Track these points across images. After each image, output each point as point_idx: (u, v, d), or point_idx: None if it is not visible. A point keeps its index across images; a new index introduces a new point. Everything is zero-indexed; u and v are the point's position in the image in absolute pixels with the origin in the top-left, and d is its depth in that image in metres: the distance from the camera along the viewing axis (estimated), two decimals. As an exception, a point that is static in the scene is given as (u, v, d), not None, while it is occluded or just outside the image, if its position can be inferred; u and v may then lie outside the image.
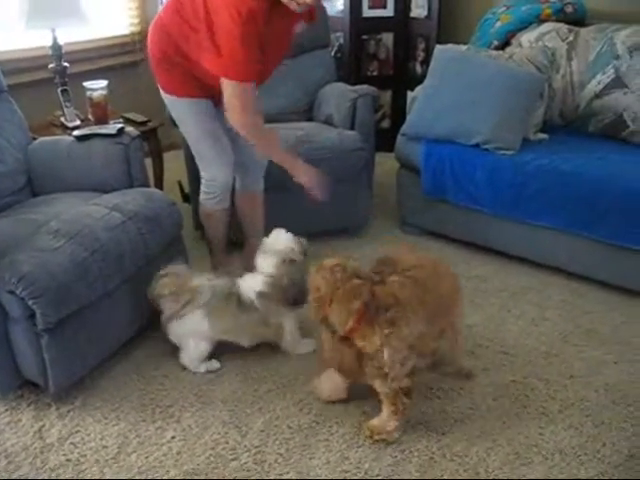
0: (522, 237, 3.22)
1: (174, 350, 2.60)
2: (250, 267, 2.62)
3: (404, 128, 3.50)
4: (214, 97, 2.71)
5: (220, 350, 2.62)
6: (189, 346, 2.55)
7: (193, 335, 2.52)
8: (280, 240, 2.56)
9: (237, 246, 3.23)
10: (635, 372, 2.56)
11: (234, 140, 2.84)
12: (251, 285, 2.52)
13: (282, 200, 3.13)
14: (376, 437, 2.23)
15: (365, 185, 3.51)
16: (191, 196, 3.41)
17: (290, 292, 2.49)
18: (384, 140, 4.02)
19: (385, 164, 3.90)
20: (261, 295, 2.50)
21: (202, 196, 2.89)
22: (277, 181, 3.00)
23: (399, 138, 3.53)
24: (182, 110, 2.76)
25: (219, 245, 3.04)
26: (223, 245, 3.05)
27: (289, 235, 2.56)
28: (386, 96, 4.61)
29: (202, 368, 2.57)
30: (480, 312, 2.94)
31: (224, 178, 2.82)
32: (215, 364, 2.59)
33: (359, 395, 2.39)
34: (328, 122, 3.63)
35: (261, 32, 2.44)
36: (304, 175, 2.74)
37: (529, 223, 3.15)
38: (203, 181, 2.86)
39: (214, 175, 2.81)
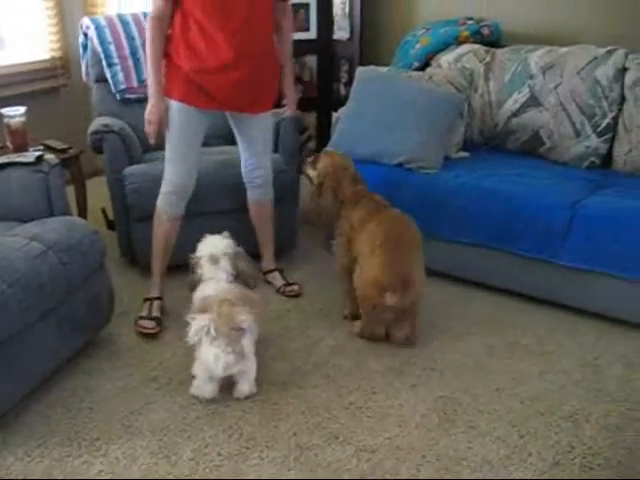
0: (444, 253, 3.28)
1: (100, 381, 2.56)
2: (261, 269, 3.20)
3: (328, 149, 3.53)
4: (214, 103, 2.86)
5: (147, 379, 2.59)
6: (253, 361, 2.51)
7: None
8: (216, 243, 2.65)
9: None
10: (558, 382, 2.63)
11: (246, 150, 3.10)
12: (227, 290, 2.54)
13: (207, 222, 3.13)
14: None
15: (291, 207, 3.53)
16: (115, 223, 3.36)
17: (252, 280, 2.68)
18: (310, 162, 4.04)
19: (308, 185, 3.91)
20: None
21: (159, 197, 2.96)
22: (200, 205, 3.08)
23: (323, 159, 3.56)
24: (174, 111, 2.86)
25: (160, 259, 3.02)
26: (164, 261, 3.04)
27: (214, 236, 2.67)
28: (311, 118, 4.65)
29: (200, 392, 2.53)
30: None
31: (181, 180, 2.92)
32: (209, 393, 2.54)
33: (290, 419, 2.40)
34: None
35: None
36: (151, 108, 2.84)
37: (452, 240, 3.21)
38: (163, 181, 2.94)
39: (171, 174, 2.92)
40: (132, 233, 3.31)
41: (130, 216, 3.28)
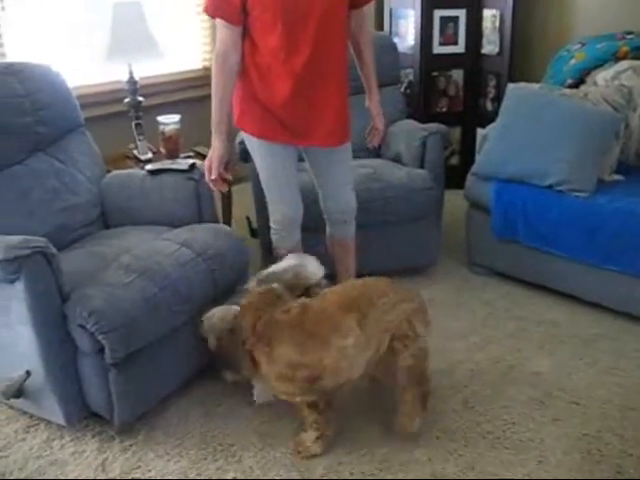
0: (596, 282, 3.10)
1: (236, 388, 2.60)
2: None
3: (475, 168, 3.45)
4: (289, 135, 2.68)
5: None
6: None
7: None
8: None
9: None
10: None
11: (323, 186, 2.85)
12: None
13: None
14: (299, 449, 2.32)
15: (434, 224, 3.46)
16: (259, 231, 3.42)
17: None
18: (452, 177, 3.97)
19: (453, 202, 3.84)
20: None
21: (271, 231, 2.89)
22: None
23: (469, 177, 3.48)
24: (254, 148, 2.75)
25: None
26: None
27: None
28: (455, 133, 4.56)
29: (264, 398, 2.56)
30: (550, 358, 2.85)
31: (286, 216, 2.79)
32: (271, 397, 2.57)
33: (426, 443, 2.34)
34: (396, 160, 3.60)
35: None
36: (210, 153, 2.64)
37: (604, 268, 3.04)
38: (270, 215, 2.86)
39: (277, 212, 2.81)
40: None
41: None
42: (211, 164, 2.62)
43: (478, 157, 3.48)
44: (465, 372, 2.76)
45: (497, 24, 4.39)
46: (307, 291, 2.48)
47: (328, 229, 2.97)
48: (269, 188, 2.78)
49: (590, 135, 3.23)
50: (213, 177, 2.63)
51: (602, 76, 3.70)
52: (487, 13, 4.46)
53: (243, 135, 2.79)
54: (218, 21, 2.51)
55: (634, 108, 3.53)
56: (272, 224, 2.85)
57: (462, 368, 2.79)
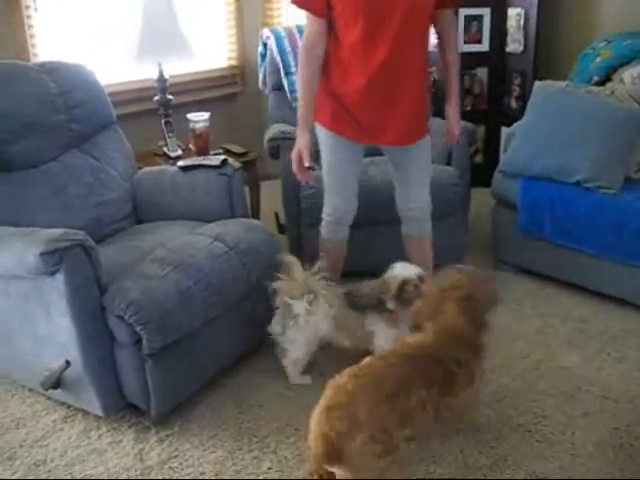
0: (623, 278, 3.11)
1: (269, 380, 2.65)
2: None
3: (501, 165, 3.47)
4: (360, 132, 2.70)
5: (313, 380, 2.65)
6: (298, 349, 2.64)
7: (310, 335, 2.61)
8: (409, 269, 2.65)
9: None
10: None
11: (398, 182, 2.88)
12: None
13: (374, 235, 3.19)
14: None
15: (460, 221, 3.49)
16: (287, 227, 3.46)
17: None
18: (477, 175, 3.98)
19: (478, 199, 3.86)
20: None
21: (322, 223, 2.93)
22: (370, 216, 3.05)
23: (496, 175, 3.50)
24: (323, 140, 2.79)
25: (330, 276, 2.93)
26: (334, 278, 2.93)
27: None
28: (480, 131, 4.57)
29: (300, 379, 2.68)
30: (579, 354, 2.87)
31: (338, 209, 2.84)
32: (308, 379, 2.69)
33: (459, 435, 2.36)
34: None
35: None
36: (297, 145, 2.69)
37: (631, 264, 3.05)
38: (324, 207, 2.90)
39: (330, 205, 2.86)
40: (303, 238, 3.40)
41: (302, 221, 3.37)
42: (300, 155, 2.67)
43: (505, 154, 3.50)
44: (494, 366, 2.77)
45: (522, 22, 4.39)
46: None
47: (403, 227, 2.98)
48: (329, 179, 2.83)
49: (617, 132, 3.24)
50: (304, 166, 2.69)
51: (629, 73, 3.71)
52: (512, 12, 4.47)
53: (316, 126, 2.79)
54: (305, 13, 2.58)
55: (661, 105, 3.54)
56: (324, 215, 2.90)
57: (490, 363, 2.79)
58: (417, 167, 2.84)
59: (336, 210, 2.85)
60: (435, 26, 2.76)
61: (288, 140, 3.36)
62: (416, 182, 2.86)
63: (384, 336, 2.62)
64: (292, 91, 3.84)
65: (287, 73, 3.88)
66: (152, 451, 2.36)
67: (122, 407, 2.49)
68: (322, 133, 2.77)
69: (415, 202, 2.88)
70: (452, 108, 2.88)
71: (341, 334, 2.66)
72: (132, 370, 2.34)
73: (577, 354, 2.86)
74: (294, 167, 2.71)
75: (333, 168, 2.80)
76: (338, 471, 1.90)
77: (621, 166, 3.24)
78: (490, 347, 2.84)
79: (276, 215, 3.71)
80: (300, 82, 2.68)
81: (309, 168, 2.72)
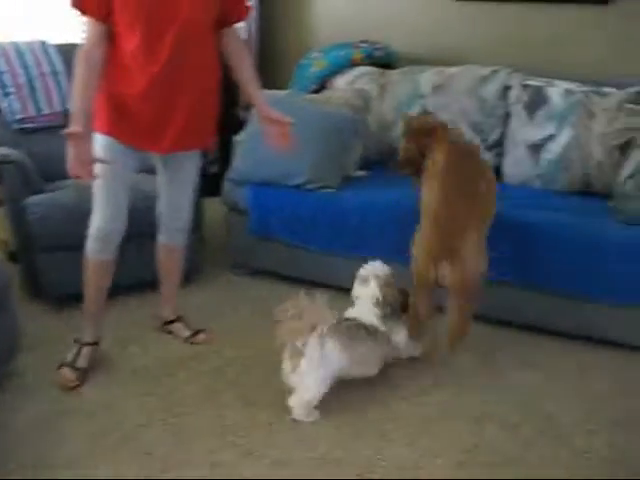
0: (348, 269, 3.34)
1: (6, 415, 2.51)
2: (161, 316, 3.04)
3: (230, 173, 3.61)
4: (138, 138, 2.65)
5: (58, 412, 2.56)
6: (309, 385, 2.48)
7: (323, 371, 2.48)
8: (377, 268, 2.77)
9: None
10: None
11: (165, 192, 2.87)
12: (367, 312, 2.69)
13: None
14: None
15: (194, 231, 3.54)
16: (18, 255, 3.31)
17: (396, 304, 2.74)
18: (216, 184, 4.07)
19: (216, 208, 3.95)
20: (383, 317, 2.69)
21: (87, 241, 2.74)
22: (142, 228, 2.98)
23: (226, 183, 3.63)
24: (97, 149, 2.59)
25: (93, 304, 2.80)
26: (98, 305, 2.81)
27: (379, 262, 2.80)
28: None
29: (311, 416, 2.54)
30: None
31: (108, 225, 2.69)
32: (317, 414, 2.56)
33: (206, 437, 2.41)
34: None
35: None
36: (70, 151, 2.47)
37: (353, 256, 3.27)
38: (90, 222, 2.72)
39: (95, 220, 2.69)
40: (37, 264, 3.27)
41: (35, 246, 3.23)
42: (85, 158, 2.47)
43: (232, 163, 3.63)
44: (238, 368, 2.87)
45: (245, 36, 4.58)
46: None
47: (160, 236, 2.97)
48: (99, 189, 2.66)
49: (333, 136, 3.52)
50: (88, 161, 2.49)
51: (341, 81, 4.04)
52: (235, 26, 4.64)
53: (94, 136, 2.61)
54: (85, 17, 2.51)
55: (370, 110, 3.88)
56: (90, 231, 2.72)
57: (234, 365, 2.90)
58: (186, 178, 2.89)
59: (104, 223, 2.69)
60: (223, 47, 2.76)
61: (9, 164, 3.22)
62: (183, 192, 2.90)
63: (406, 339, 2.76)
64: (12, 112, 3.67)
65: (5, 94, 3.69)
66: None
67: None
68: (98, 142, 2.62)
69: (179, 212, 2.92)
70: (261, 105, 2.87)
71: (366, 365, 2.64)
72: None
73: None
74: (75, 167, 2.47)
75: (104, 176, 2.61)
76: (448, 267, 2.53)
77: (339, 167, 3.52)
78: (234, 350, 2.98)
79: (4, 242, 3.53)
80: (76, 83, 2.52)
81: (96, 162, 2.51)
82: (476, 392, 2.72)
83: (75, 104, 2.53)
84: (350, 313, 2.72)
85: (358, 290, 2.78)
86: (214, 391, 2.72)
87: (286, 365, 2.49)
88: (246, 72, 2.85)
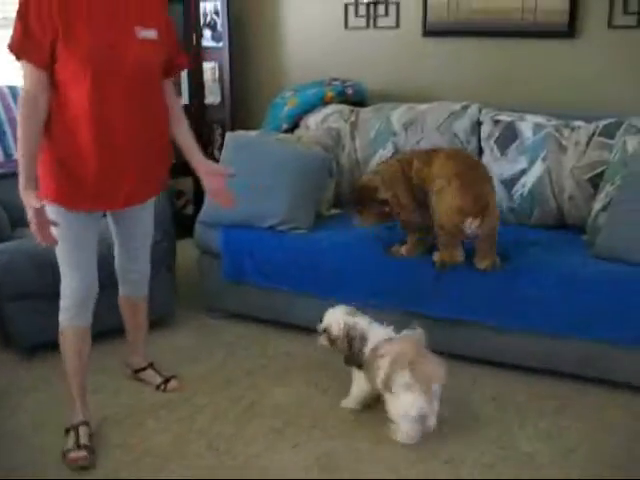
0: (324, 311, 3.31)
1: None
2: (131, 364, 3.02)
3: (201, 216, 3.57)
4: (90, 199, 2.47)
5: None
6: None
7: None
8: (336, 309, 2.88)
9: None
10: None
11: (123, 244, 2.76)
12: None
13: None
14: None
15: (166, 275, 3.52)
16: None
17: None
18: (189, 226, 4.03)
19: (190, 250, 3.91)
20: None
21: (60, 313, 2.59)
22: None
23: (197, 226, 3.59)
24: (51, 216, 2.37)
25: (77, 378, 2.65)
26: (82, 378, 2.66)
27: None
28: (187, 182, 4.66)
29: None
30: (289, 388, 3.01)
31: (78, 293, 2.54)
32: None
33: None
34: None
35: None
36: (28, 210, 2.31)
37: (327, 298, 3.20)
38: (61, 293, 2.58)
39: (70, 284, 2.54)
40: (4, 312, 3.20)
41: (1, 295, 3.16)
42: (39, 215, 2.29)
43: (204, 206, 3.59)
44: (207, 417, 2.82)
45: (217, 75, 4.61)
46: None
47: (120, 287, 2.88)
48: (64, 254, 2.51)
49: (305, 175, 3.49)
50: (48, 225, 2.32)
51: (313, 120, 4.03)
52: (207, 66, 4.70)
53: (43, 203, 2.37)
54: (25, 63, 2.31)
55: (342, 148, 3.88)
56: (63, 300, 2.57)
57: (205, 413, 2.84)
58: (142, 230, 2.77)
59: (74, 291, 2.53)
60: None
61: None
62: (140, 244, 2.79)
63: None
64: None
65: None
66: None
67: None
68: (48, 209, 2.36)
69: (137, 264, 2.82)
70: (201, 161, 2.79)
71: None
72: None
73: (287, 388, 3.00)
74: (36, 232, 2.32)
75: (67, 241, 2.47)
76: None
77: (311, 206, 3.50)
78: (206, 396, 2.92)
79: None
80: (20, 139, 2.32)
81: (54, 224, 2.35)
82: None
83: (22, 162, 2.33)
84: (381, 336, 2.76)
85: (362, 320, 2.83)
86: (184, 440, 2.66)
87: (422, 403, 2.55)
88: (180, 126, 2.73)
